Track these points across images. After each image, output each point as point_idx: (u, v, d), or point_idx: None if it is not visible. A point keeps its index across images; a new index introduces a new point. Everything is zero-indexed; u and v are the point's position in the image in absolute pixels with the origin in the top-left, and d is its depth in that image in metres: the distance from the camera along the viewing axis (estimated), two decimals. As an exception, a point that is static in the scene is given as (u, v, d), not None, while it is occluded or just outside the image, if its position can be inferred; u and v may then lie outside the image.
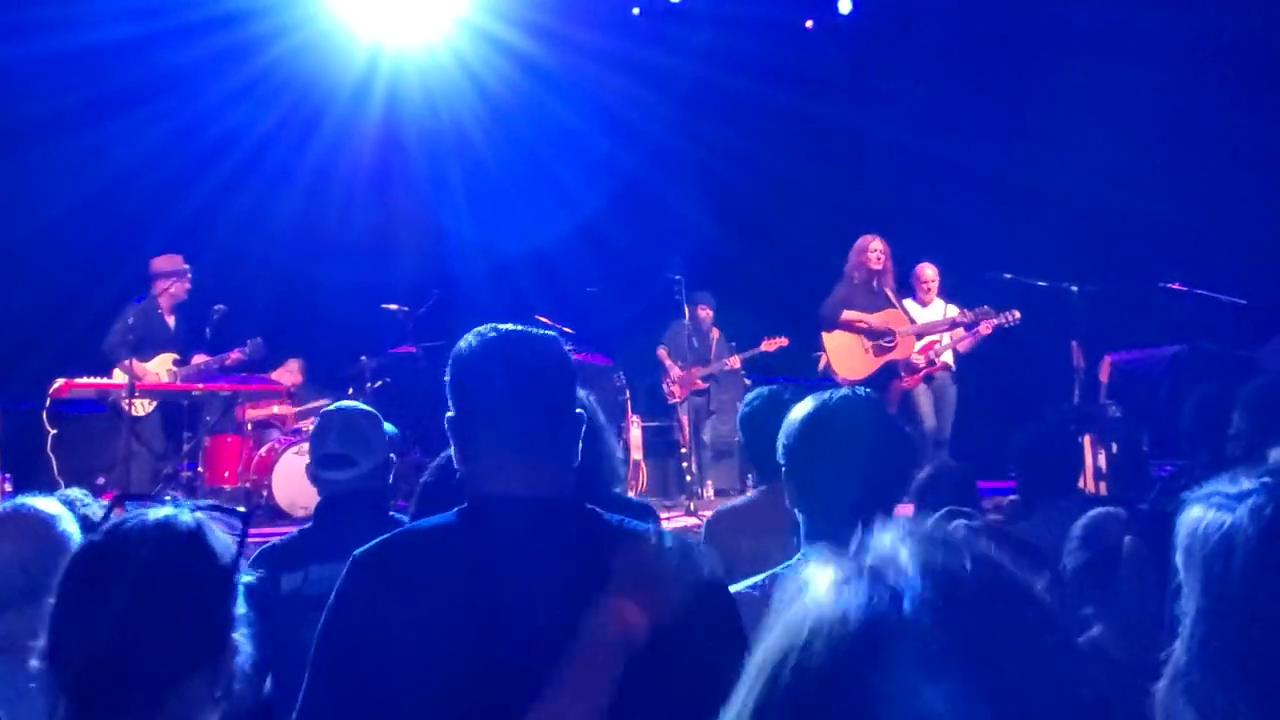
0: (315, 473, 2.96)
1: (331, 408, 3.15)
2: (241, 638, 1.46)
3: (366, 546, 1.61)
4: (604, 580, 1.51)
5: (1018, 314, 7.66)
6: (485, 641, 1.47)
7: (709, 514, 3.68)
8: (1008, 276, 7.70)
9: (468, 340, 1.68)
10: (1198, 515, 1.19)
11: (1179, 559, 1.19)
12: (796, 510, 2.06)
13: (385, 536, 1.63)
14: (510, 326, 1.70)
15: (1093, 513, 2.57)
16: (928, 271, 8.13)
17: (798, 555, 2.04)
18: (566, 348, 1.71)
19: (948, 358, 7.86)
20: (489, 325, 1.70)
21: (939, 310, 8.06)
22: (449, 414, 1.68)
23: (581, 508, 1.63)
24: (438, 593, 1.52)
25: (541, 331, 1.71)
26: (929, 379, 7.83)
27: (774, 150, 10.67)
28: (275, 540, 2.94)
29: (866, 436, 2.01)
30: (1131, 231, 9.56)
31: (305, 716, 1.55)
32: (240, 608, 1.47)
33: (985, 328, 7.73)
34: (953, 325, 7.83)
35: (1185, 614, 1.17)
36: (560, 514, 1.61)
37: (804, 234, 10.22)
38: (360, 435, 2.94)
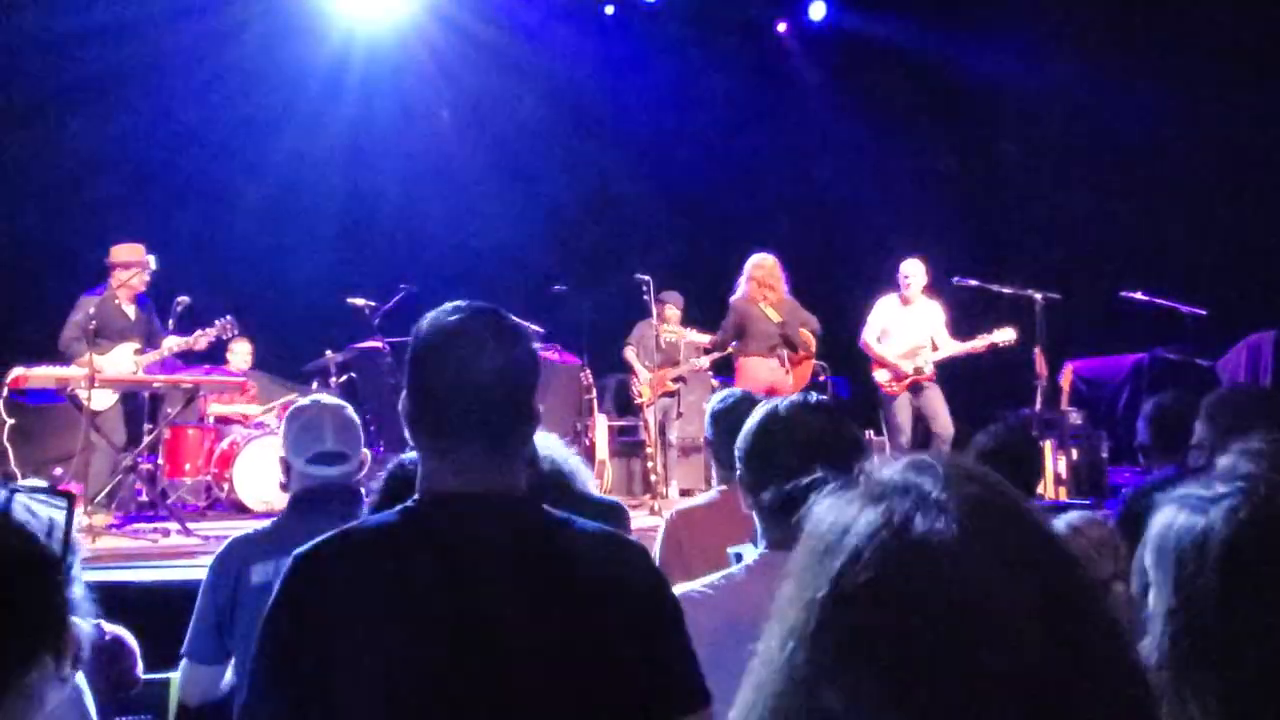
0: (304, 469, 2.92)
1: (309, 402, 3.11)
2: (81, 621, 1.37)
3: (309, 544, 1.57)
4: (550, 579, 1.51)
5: (1014, 335, 7.59)
6: (431, 642, 1.46)
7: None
8: (972, 283, 7.74)
9: (434, 317, 1.62)
10: (1169, 517, 1.20)
11: (1148, 559, 1.21)
12: (753, 514, 2.09)
13: (329, 534, 1.60)
14: (479, 305, 1.64)
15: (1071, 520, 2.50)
16: (906, 268, 7.92)
17: (755, 556, 2.06)
18: (535, 344, 1.69)
19: (928, 367, 7.78)
20: (455, 304, 1.64)
21: (921, 309, 7.91)
22: (404, 394, 1.62)
23: (530, 504, 1.61)
24: (382, 592, 1.48)
25: (509, 317, 1.66)
26: (915, 387, 7.76)
27: (744, 151, 10.70)
28: (248, 531, 2.92)
29: (817, 441, 2.03)
30: (1094, 240, 9.68)
31: (249, 715, 1.54)
32: (77, 590, 1.39)
33: (981, 345, 7.68)
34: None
35: (1155, 615, 1.19)
36: (509, 511, 1.58)
37: (774, 234, 10.26)
38: (353, 431, 2.96)
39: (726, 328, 7.75)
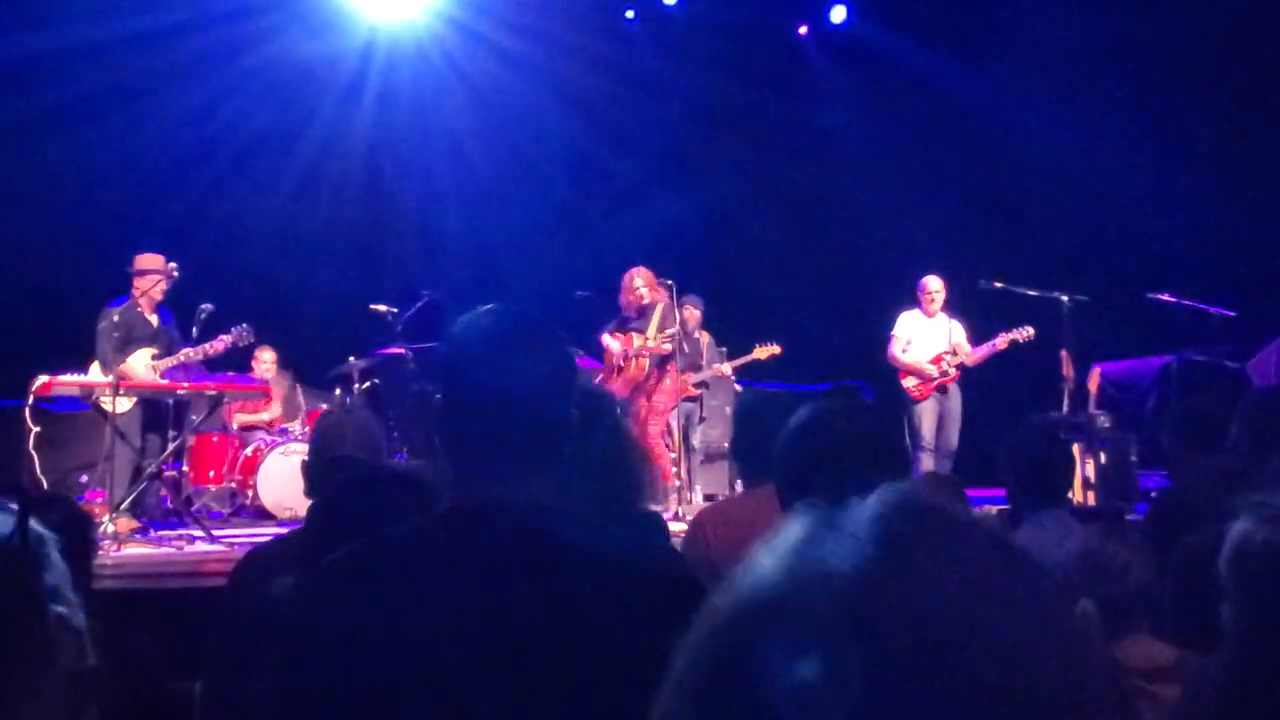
0: (323, 473, 2.92)
1: (338, 410, 3.14)
2: (64, 607, 1.34)
3: (337, 553, 1.55)
4: (578, 593, 1.47)
5: (1031, 330, 7.69)
6: (454, 654, 1.44)
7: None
8: (998, 285, 7.71)
9: (468, 322, 1.58)
10: (1249, 529, 1.13)
11: (1224, 570, 1.14)
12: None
13: (357, 543, 1.57)
14: (514, 310, 1.60)
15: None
16: (932, 283, 8.15)
17: None
18: (572, 350, 1.65)
19: (952, 370, 7.95)
20: (489, 308, 1.59)
21: (943, 323, 8.10)
22: (438, 398, 1.59)
23: (561, 516, 1.58)
24: (406, 603, 1.46)
25: (545, 321, 1.61)
26: (942, 389, 7.93)
27: (766, 156, 10.67)
28: (265, 540, 2.91)
29: (862, 444, 1.99)
30: (1121, 242, 9.59)
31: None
32: (53, 576, 1.36)
33: (1002, 342, 7.79)
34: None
35: (1228, 629, 1.13)
36: (538, 523, 1.56)
37: (796, 240, 10.22)
38: (373, 439, 2.96)
39: (678, 331, 7.85)
